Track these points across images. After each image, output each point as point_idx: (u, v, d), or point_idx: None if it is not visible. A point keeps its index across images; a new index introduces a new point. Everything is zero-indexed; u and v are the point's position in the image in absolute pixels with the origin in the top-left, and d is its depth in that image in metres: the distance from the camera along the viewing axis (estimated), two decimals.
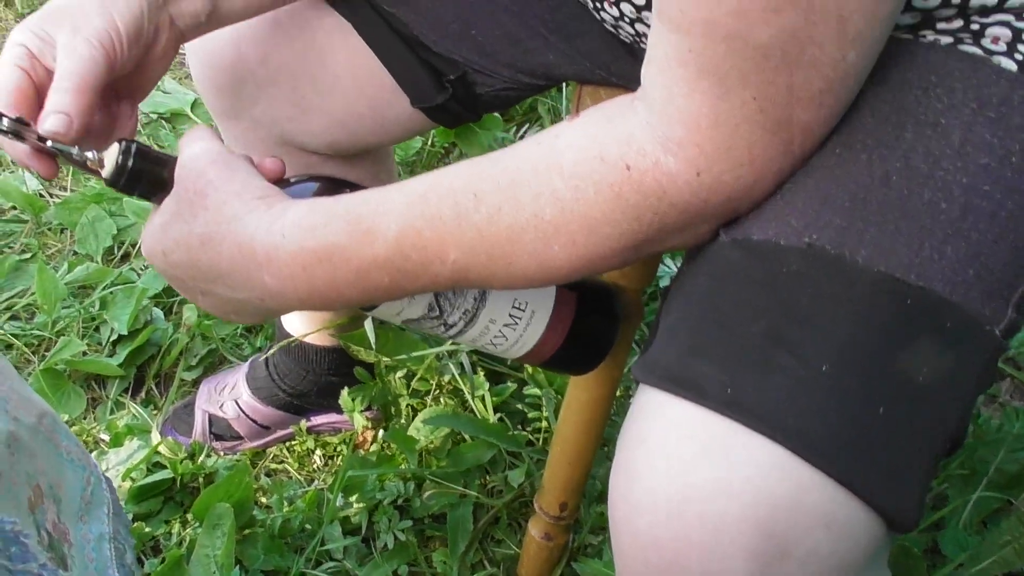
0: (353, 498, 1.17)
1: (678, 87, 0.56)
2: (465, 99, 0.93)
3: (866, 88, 0.60)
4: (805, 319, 0.55)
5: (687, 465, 0.55)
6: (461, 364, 1.25)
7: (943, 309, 0.56)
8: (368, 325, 1.16)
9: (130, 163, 0.66)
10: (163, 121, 1.79)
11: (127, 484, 1.19)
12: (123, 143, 0.66)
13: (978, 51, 0.61)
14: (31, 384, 1.23)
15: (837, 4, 0.52)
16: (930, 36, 0.62)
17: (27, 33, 0.69)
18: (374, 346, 1.17)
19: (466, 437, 1.21)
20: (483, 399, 1.23)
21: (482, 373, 1.25)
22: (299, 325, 1.21)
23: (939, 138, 0.58)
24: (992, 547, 1.08)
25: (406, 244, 0.61)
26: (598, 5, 0.75)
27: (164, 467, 1.21)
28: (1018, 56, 0.60)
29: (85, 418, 1.31)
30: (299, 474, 1.25)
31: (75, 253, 1.53)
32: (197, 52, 0.96)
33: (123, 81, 0.75)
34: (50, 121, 0.66)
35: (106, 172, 0.67)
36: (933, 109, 0.59)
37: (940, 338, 0.56)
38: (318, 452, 1.27)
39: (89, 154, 0.67)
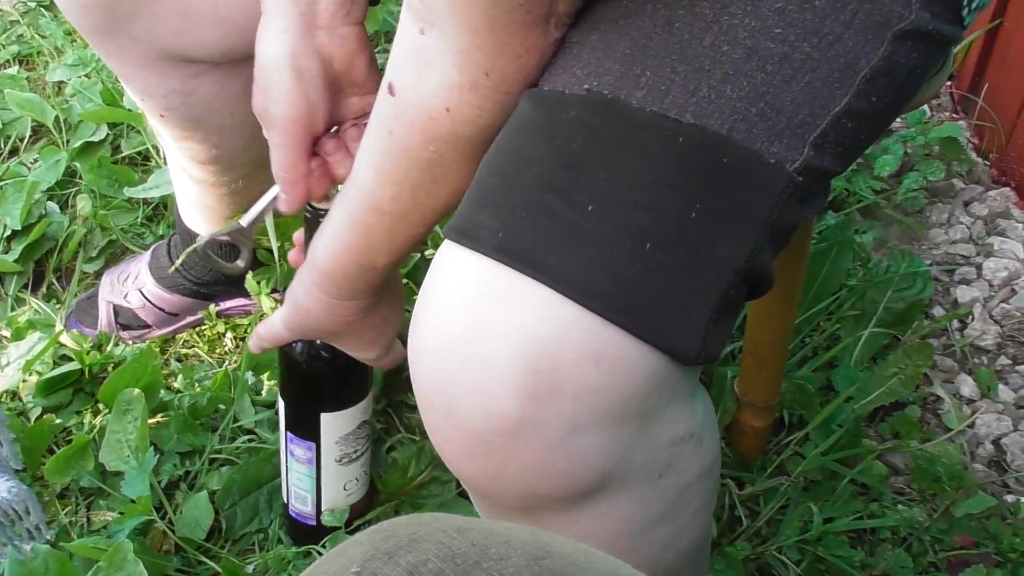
0: (264, 375, 1.18)
1: None
2: None
3: None
4: (578, 163, 0.56)
5: (456, 311, 0.57)
6: None
7: (719, 145, 0.56)
8: (268, 218, 1.16)
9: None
10: (42, 9, 1.72)
11: (33, 378, 1.18)
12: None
13: None
14: None
15: None
16: None
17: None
18: (274, 233, 1.17)
19: None
20: None
21: None
22: (199, 221, 1.19)
23: None
24: (880, 379, 1.13)
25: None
26: None
27: (72, 360, 1.20)
28: None
29: None
30: (210, 357, 1.25)
31: None
32: None
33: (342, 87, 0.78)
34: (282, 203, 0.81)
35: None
36: None
37: (715, 173, 0.56)
38: (229, 335, 1.27)
39: None
